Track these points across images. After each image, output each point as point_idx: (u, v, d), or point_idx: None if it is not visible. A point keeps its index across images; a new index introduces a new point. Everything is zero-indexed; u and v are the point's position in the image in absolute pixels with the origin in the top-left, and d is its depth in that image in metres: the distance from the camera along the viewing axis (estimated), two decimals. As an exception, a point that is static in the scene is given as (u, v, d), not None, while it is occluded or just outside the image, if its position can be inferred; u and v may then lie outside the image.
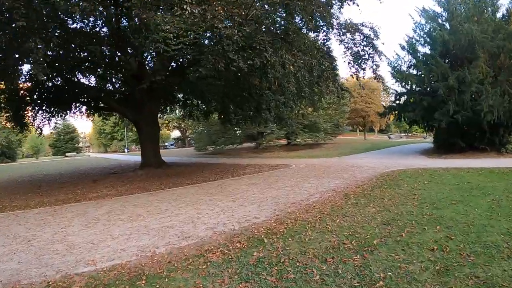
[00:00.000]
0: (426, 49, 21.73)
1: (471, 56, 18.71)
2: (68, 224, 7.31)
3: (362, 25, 11.48)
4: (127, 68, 14.84)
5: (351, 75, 12.43)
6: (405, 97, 22.76)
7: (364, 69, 12.22)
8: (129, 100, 17.58)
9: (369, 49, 11.68)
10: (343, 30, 11.21)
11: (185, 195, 9.64)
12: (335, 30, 11.41)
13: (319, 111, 29.00)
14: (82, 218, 7.77)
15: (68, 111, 20.08)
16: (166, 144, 78.40)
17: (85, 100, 17.98)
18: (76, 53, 12.66)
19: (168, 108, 25.67)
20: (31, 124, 20.18)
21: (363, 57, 11.88)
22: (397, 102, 22.85)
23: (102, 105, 19.05)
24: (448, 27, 19.92)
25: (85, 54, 12.76)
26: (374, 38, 11.47)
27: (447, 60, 19.47)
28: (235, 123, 20.13)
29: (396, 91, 22.61)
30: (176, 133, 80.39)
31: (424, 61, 19.94)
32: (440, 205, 6.89)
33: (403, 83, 21.67)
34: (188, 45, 7.87)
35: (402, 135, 69.81)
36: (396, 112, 22.71)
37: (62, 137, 77.27)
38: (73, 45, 11.98)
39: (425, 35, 21.57)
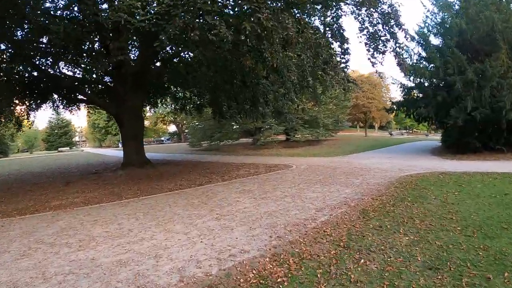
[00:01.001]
0: (438, 41, 19.98)
1: (489, 48, 16.99)
2: (5, 249, 5.59)
3: (379, 1, 9.54)
4: (102, 55, 12.94)
5: (368, 58, 10.33)
6: (414, 92, 21.03)
7: (383, 52, 10.15)
8: (110, 92, 15.72)
9: (390, 27, 9.64)
10: (358, 3, 9.23)
11: (160, 207, 7.81)
12: (348, 5, 9.43)
13: (320, 105, 27.20)
14: (25, 240, 6.01)
15: (44, 104, 18.17)
16: (162, 139, 77.10)
17: (62, 91, 16.04)
18: (39, 36, 10.75)
19: (158, 101, 23.73)
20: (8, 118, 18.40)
21: (382, 38, 9.85)
22: (406, 97, 21.00)
23: (80, 97, 17.10)
24: (463, 16, 18.02)
25: (52, 36, 10.83)
26: (394, 17, 9.45)
27: (463, 52, 17.62)
28: (229, 117, 18.23)
29: (405, 86, 20.73)
30: (173, 128, 78.67)
31: (438, 52, 18.06)
32: (490, 231, 5.12)
33: (414, 77, 19.86)
34: (159, 14, 5.98)
35: (403, 132, 68.11)
36: (404, 108, 20.96)
37: (55, 131, 75.67)
38: (33, 25, 10.11)
39: (437, 26, 19.74)
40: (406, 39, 10.03)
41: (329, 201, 7.41)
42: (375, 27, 9.56)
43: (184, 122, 52.82)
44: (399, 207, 6.72)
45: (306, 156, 20.40)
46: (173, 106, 26.06)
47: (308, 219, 5.97)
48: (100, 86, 17.36)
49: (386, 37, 9.64)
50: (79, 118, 78.41)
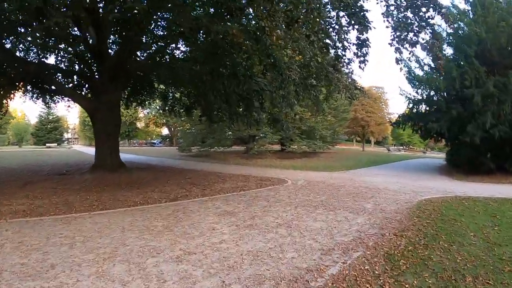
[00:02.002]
0: (451, 51, 18.38)
1: (509, 61, 15.44)
2: None
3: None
4: (77, 39, 11.06)
5: (395, 50, 8.23)
6: (423, 106, 19.36)
7: (414, 44, 8.07)
8: (84, 83, 13.82)
9: (425, 13, 7.62)
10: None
11: (109, 231, 5.80)
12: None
13: (320, 115, 25.53)
14: None
15: (15, 91, 16.09)
16: (155, 142, 75.40)
17: (30, 79, 13.92)
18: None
19: (145, 99, 21.73)
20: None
21: (414, 27, 7.79)
22: (415, 110, 19.30)
23: (53, 87, 15.05)
24: (483, 25, 16.41)
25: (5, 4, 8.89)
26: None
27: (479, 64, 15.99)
28: (218, 121, 16.28)
29: (414, 98, 19.02)
30: (167, 131, 76.77)
31: (455, 61, 16.39)
32: None
33: (424, 89, 18.24)
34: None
35: (400, 148, 66.60)
36: (412, 122, 19.26)
37: (45, 126, 73.45)
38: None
39: (450, 35, 18.09)
40: (448, 25, 8.12)
41: (338, 236, 5.46)
42: (405, 13, 7.62)
43: (176, 125, 50.81)
44: (434, 250, 4.85)
45: (302, 169, 18.50)
46: (161, 106, 24.12)
47: (311, 270, 4.01)
48: (75, 77, 15.39)
49: (420, 25, 7.64)
50: (72, 114, 76.48)
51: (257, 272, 3.93)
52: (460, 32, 17.49)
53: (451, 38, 18.02)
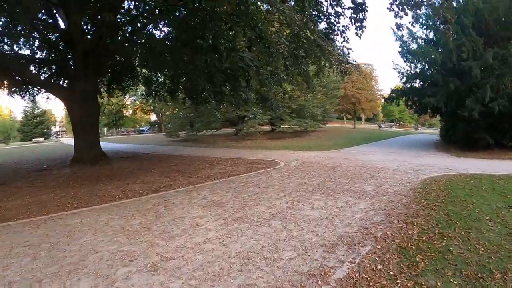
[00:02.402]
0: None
1: (506, 33, 14.76)
2: None
3: None
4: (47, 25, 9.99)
5: (395, 15, 7.32)
6: (417, 81, 18.68)
7: (419, 5, 7.14)
8: (62, 74, 12.84)
9: None
10: None
11: (80, 234, 5.02)
12: None
13: (310, 93, 24.76)
14: None
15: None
16: (144, 129, 74.74)
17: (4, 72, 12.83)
18: None
19: (129, 85, 20.67)
20: None
21: None
22: (410, 84, 18.64)
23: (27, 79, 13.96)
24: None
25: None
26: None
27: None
28: (203, 102, 15.35)
29: (407, 73, 18.34)
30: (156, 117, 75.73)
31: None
32: None
33: (418, 62, 17.55)
34: None
35: (392, 125, 66.38)
36: (408, 97, 18.62)
37: (30, 121, 71.46)
38: None
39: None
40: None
41: (341, 226, 4.79)
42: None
43: (163, 110, 49.59)
44: (452, 240, 4.22)
45: (294, 149, 17.85)
46: (145, 92, 23.06)
47: (313, 274, 3.33)
48: (53, 67, 14.32)
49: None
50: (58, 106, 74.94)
51: (247, 282, 3.23)
52: (455, 2, 16.68)
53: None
